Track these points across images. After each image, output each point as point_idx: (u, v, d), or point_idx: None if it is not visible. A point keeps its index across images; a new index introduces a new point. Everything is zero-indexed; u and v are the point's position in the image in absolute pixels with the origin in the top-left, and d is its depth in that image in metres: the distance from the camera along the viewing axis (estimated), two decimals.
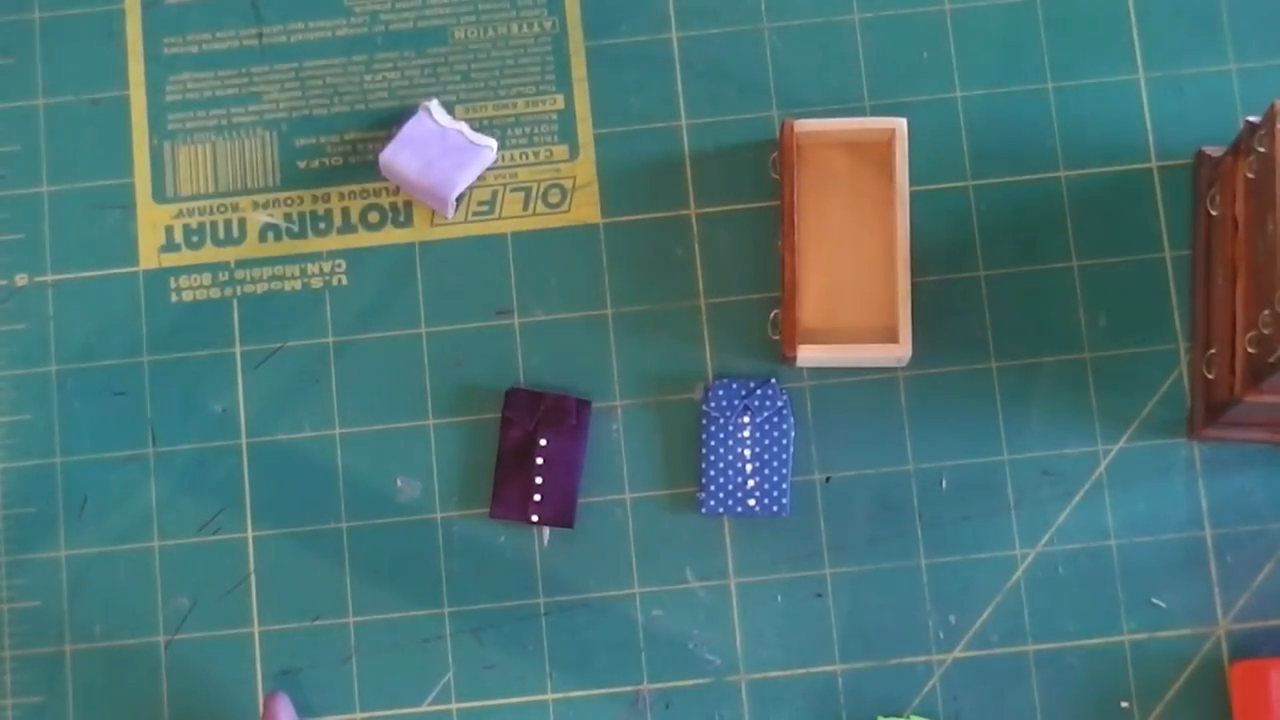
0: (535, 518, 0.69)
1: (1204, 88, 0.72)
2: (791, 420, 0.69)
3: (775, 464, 0.68)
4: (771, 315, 0.69)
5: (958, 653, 0.68)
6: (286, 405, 0.70)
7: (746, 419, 0.69)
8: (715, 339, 0.70)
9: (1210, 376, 0.68)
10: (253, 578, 0.69)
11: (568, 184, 0.72)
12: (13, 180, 0.72)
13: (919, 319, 0.69)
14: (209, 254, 0.71)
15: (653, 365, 0.69)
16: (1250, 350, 0.64)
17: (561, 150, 0.72)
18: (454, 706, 0.68)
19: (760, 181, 0.71)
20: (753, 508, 0.68)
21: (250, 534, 0.69)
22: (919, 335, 0.69)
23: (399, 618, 0.69)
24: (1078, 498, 0.69)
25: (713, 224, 0.71)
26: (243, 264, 0.71)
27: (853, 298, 0.69)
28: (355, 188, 0.72)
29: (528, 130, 0.72)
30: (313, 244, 0.71)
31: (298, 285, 0.71)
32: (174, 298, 0.71)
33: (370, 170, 0.71)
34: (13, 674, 0.68)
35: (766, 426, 0.69)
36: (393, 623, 0.69)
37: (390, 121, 0.72)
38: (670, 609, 0.69)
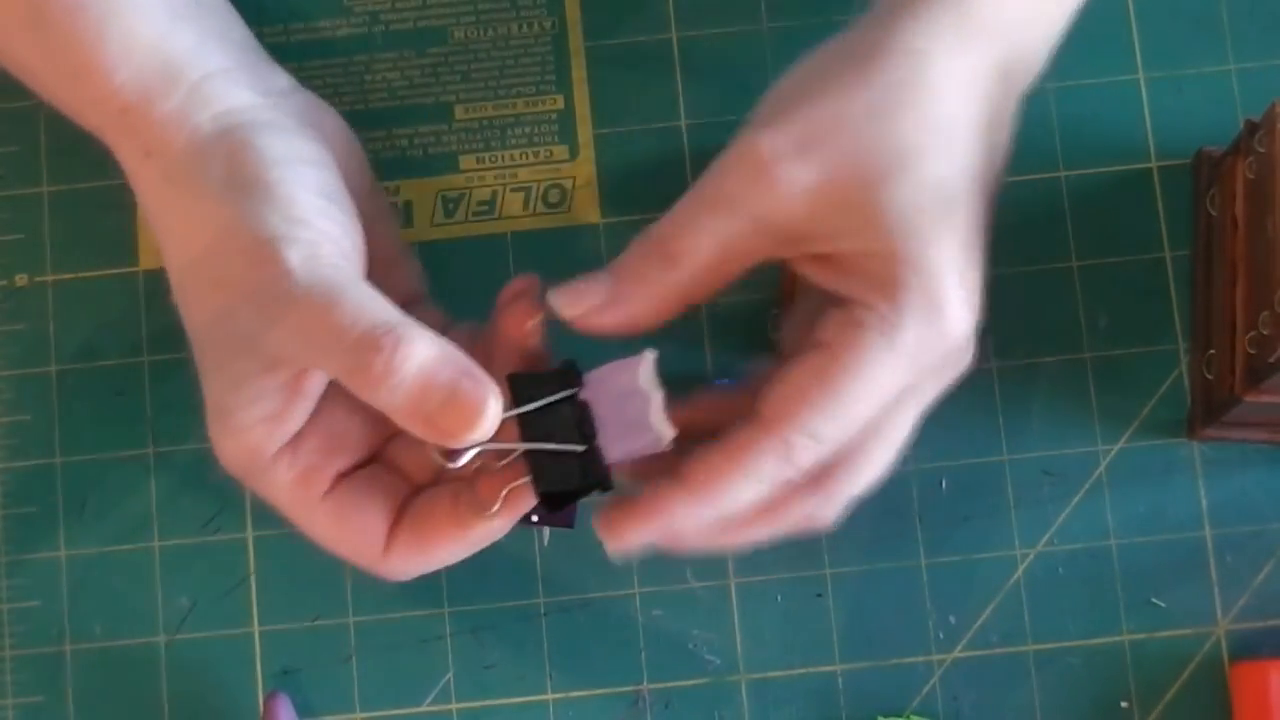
0: (535, 518, 0.68)
1: (1204, 88, 0.72)
2: None
3: None
4: (771, 315, 0.69)
5: (958, 653, 0.68)
6: None
7: None
8: (715, 339, 0.70)
9: (1210, 377, 0.68)
10: (253, 578, 0.69)
11: (568, 184, 0.72)
12: (13, 180, 0.72)
13: None
14: None
15: None
16: (1250, 351, 0.64)
17: (561, 150, 0.72)
18: (454, 706, 0.68)
19: None
20: None
21: (250, 534, 0.69)
22: None
23: (399, 618, 0.69)
24: (1078, 498, 0.69)
25: None
26: None
27: None
28: None
29: (528, 130, 0.72)
30: None
31: None
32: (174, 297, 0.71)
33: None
34: (13, 674, 0.68)
35: None
36: (393, 623, 0.69)
37: (390, 120, 0.72)
38: (670, 609, 0.69)
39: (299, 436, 0.56)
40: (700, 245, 0.55)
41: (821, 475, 0.57)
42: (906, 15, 0.56)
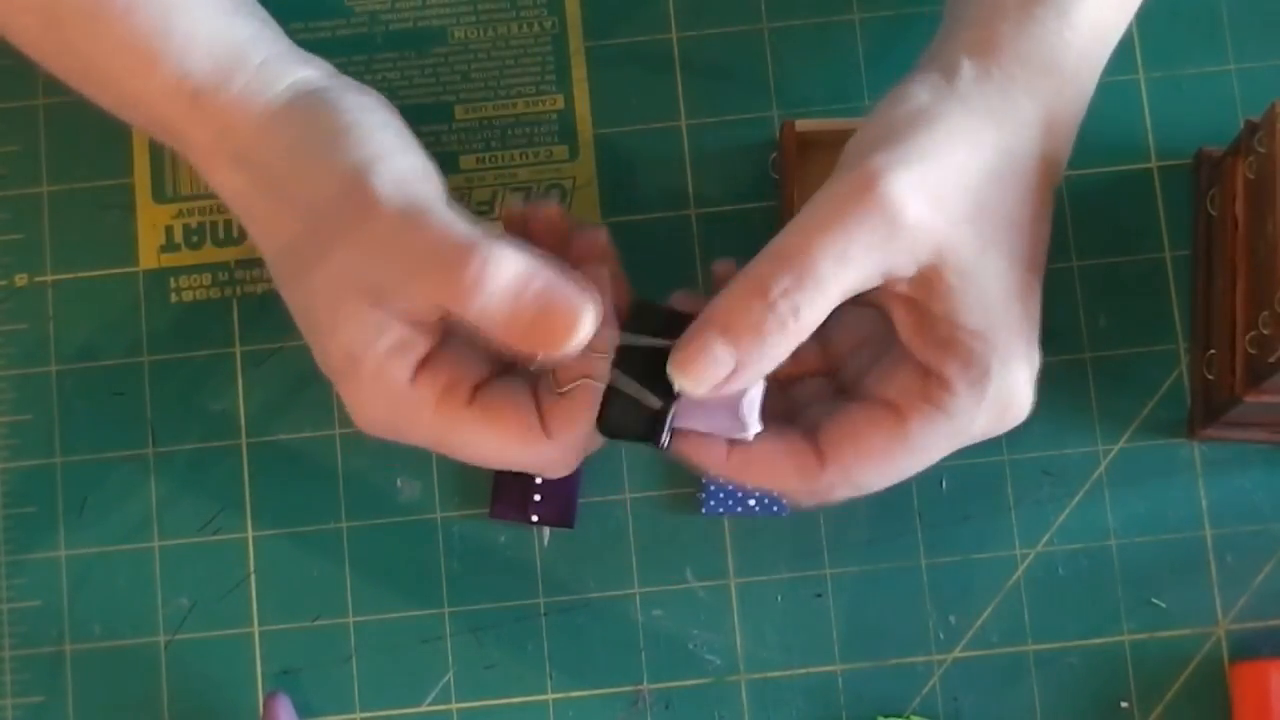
0: (535, 518, 0.69)
1: (1204, 88, 0.72)
2: None
3: None
4: None
5: (958, 653, 0.68)
6: (286, 405, 0.70)
7: None
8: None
9: (1210, 376, 0.68)
10: (252, 578, 0.69)
11: (568, 184, 0.72)
12: (13, 180, 0.72)
13: None
14: (209, 254, 0.71)
15: None
16: (1250, 351, 0.64)
17: (561, 150, 0.72)
18: (454, 706, 0.68)
19: (760, 181, 0.71)
20: (753, 507, 0.68)
21: (250, 534, 0.69)
22: None
23: (399, 618, 0.69)
24: (1078, 498, 0.69)
25: (713, 224, 0.71)
26: (243, 264, 0.71)
27: None
28: None
29: (528, 130, 0.72)
30: None
31: None
32: (174, 298, 0.71)
33: None
34: (13, 674, 0.68)
35: None
36: (393, 623, 0.69)
37: None
38: (670, 609, 0.69)
39: (432, 359, 0.57)
40: (832, 300, 0.54)
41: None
42: (1019, 79, 0.57)
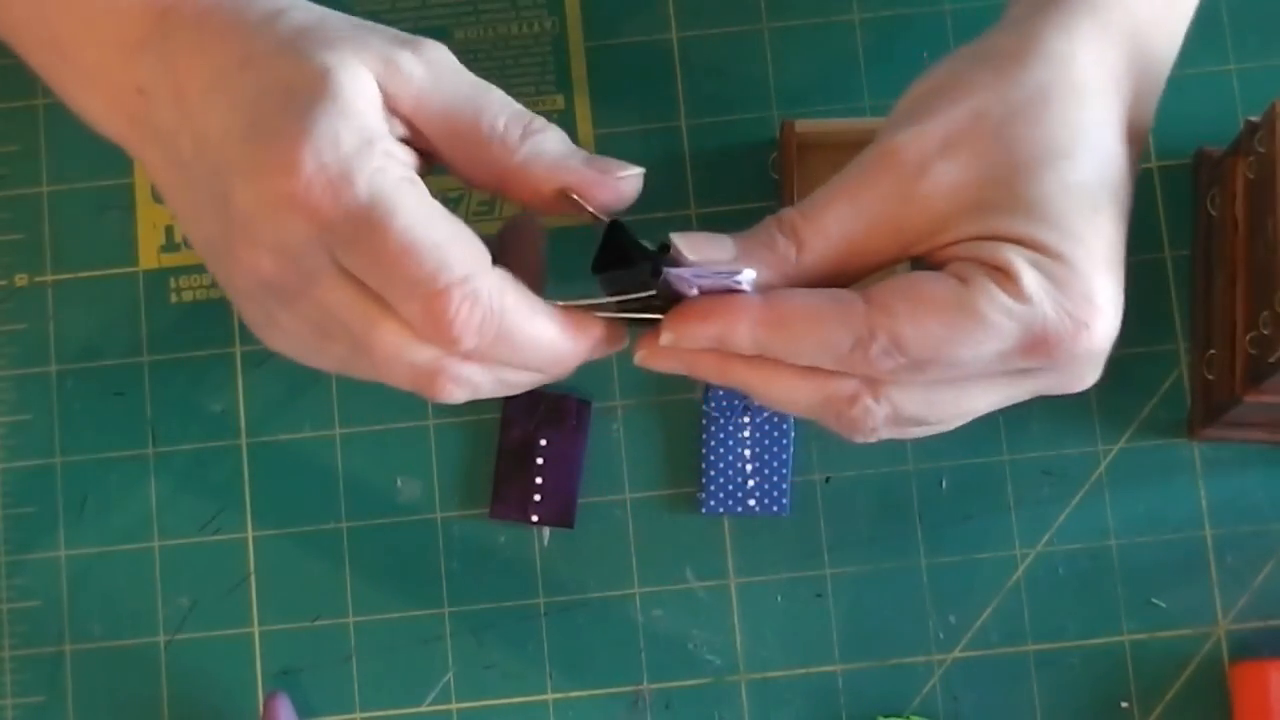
0: (535, 518, 0.69)
1: (1204, 88, 0.72)
2: (792, 420, 0.69)
3: (775, 464, 0.69)
4: None
5: (958, 653, 0.68)
6: (286, 405, 0.70)
7: (746, 419, 0.69)
8: None
9: (1210, 377, 0.68)
10: (253, 578, 0.69)
11: None
12: (13, 180, 0.72)
13: None
14: None
15: None
16: (1251, 351, 0.64)
17: None
18: (454, 706, 0.68)
19: (760, 181, 0.71)
20: (753, 507, 0.68)
21: (250, 534, 0.69)
22: None
23: (399, 618, 0.69)
24: (1078, 498, 0.69)
25: (713, 224, 0.71)
26: None
27: None
28: None
29: None
30: None
31: None
32: (174, 298, 0.71)
33: None
34: (13, 674, 0.68)
35: (767, 426, 0.69)
36: (393, 623, 0.69)
37: None
38: (670, 609, 0.69)
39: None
40: (828, 233, 0.54)
41: (880, 378, 0.54)
42: (1045, 19, 0.56)
